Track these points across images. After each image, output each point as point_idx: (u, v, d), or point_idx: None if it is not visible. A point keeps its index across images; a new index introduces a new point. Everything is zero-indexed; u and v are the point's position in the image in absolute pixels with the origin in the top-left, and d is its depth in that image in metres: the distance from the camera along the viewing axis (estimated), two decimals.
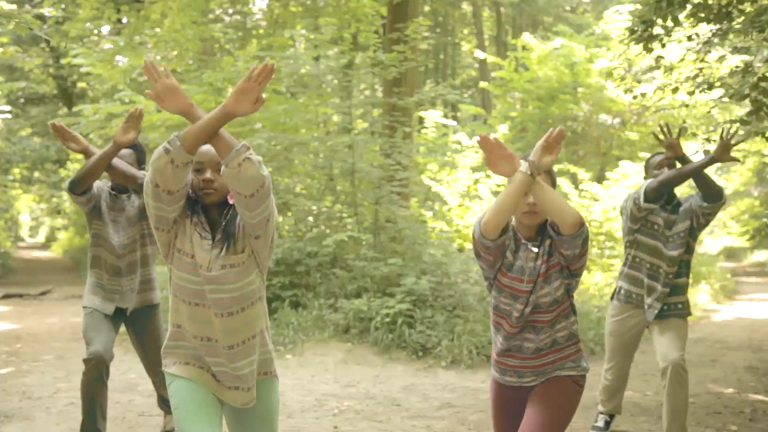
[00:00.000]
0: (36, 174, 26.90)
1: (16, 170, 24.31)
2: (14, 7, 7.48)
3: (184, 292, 2.76)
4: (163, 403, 4.78)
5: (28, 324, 9.85)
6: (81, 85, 20.14)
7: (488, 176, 11.30)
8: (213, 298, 2.73)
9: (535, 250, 2.93)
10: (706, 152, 5.79)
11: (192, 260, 2.73)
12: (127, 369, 6.89)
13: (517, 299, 2.93)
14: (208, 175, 2.68)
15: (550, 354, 2.96)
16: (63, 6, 15.34)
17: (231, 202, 2.77)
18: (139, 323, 4.50)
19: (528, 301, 2.91)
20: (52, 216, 33.63)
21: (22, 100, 21.55)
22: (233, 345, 2.78)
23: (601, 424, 4.99)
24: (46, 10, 12.19)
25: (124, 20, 15.66)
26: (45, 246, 31.02)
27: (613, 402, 4.99)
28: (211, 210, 2.80)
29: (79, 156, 21.85)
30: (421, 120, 13.28)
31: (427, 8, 21.20)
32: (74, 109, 13.78)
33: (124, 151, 4.35)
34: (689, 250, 4.66)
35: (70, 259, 20.80)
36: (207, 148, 2.71)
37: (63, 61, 14.37)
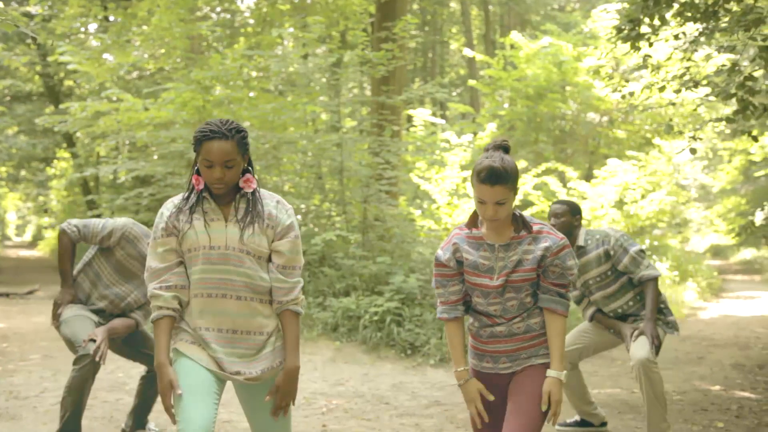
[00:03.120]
0: (23, 172, 26.73)
1: (3, 168, 24.16)
2: (0, 4, 7.43)
3: (197, 285, 2.85)
4: (136, 416, 4.72)
5: (15, 323, 9.79)
6: (68, 82, 20.00)
7: None
8: (225, 278, 2.82)
9: (507, 252, 2.96)
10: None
11: (203, 250, 2.82)
12: (114, 368, 6.86)
13: (488, 296, 2.97)
14: (217, 174, 2.77)
15: (524, 339, 3.00)
16: (49, 3, 15.24)
17: (248, 190, 2.86)
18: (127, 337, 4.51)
19: (503, 293, 2.95)
20: (39, 215, 33.47)
21: (8, 98, 21.38)
22: (252, 331, 2.87)
23: (577, 418, 5.03)
24: (33, 8, 12.13)
25: (111, 18, 15.59)
26: (32, 245, 30.78)
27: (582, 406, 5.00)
28: (219, 196, 2.89)
29: (66, 155, 21.87)
30: (409, 118, 13.29)
31: (415, 6, 21.23)
32: (61, 106, 13.66)
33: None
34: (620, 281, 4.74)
35: (57, 258, 20.70)
36: (211, 145, 2.76)
37: (50, 59, 14.29)
